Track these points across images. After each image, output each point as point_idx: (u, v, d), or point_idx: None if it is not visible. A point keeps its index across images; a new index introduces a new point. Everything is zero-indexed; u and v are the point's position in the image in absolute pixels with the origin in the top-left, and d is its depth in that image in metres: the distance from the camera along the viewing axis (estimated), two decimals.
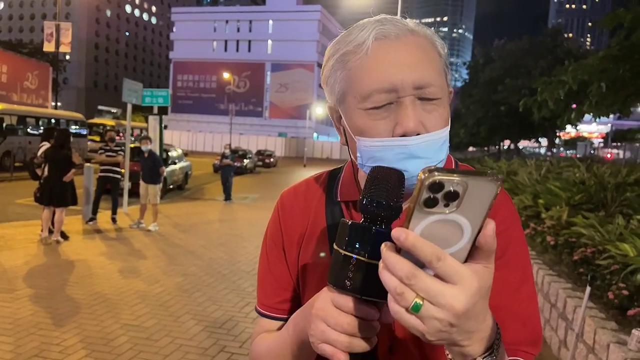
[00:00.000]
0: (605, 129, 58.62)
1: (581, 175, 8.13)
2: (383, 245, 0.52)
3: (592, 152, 33.27)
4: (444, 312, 0.49)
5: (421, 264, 0.50)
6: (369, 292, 0.57)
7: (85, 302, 4.88)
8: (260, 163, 31.84)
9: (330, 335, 0.60)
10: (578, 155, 23.19)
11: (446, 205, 0.48)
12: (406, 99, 0.72)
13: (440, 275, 0.49)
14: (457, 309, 0.48)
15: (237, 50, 70.36)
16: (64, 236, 7.41)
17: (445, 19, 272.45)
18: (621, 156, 24.15)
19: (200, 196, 15.27)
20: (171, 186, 15.08)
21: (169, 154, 15.52)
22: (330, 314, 0.60)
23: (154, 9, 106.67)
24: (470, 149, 50.35)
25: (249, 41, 70.15)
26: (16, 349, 3.78)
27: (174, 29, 75.01)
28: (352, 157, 0.83)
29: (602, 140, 54.54)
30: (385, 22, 0.74)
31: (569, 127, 21.75)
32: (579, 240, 4.98)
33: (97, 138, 25.49)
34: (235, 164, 16.47)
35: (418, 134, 0.72)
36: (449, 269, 0.49)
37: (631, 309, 3.34)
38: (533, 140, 35.53)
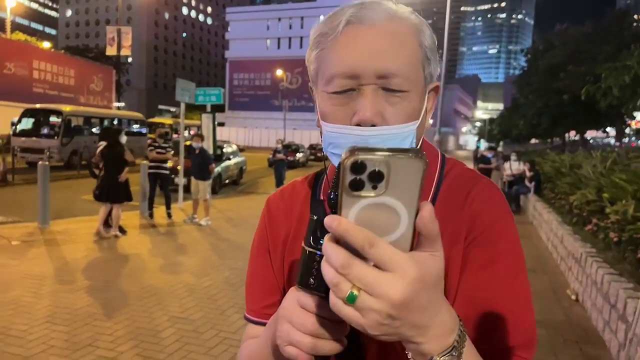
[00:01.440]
0: None
1: None
2: (325, 236, 0.49)
3: None
4: (381, 302, 0.45)
5: (361, 256, 0.46)
6: None
7: (137, 295, 5.07)
8: (312, 157, 32.22)
9: (295, 336, 0.57)
10: None
11: (374, 188, 0.45)
12: (367, 87, 0.69)
13: (375, 262, 0.46)
14: (394, 298, 0.45)
15: (290, 47, 71.12)
16: (122, 231, 7.75)
17: (503, 4, 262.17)
18: None
19: (254, 190, 15.56)
20: (226, 181, 15.46)
21: (224, 150, 15.89)
22: (296, 314, 0.57)
23: (209, 9, 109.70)
24: (533, 141, 48.21)
25: (301, 37, 70.67)
26: (71, 337, 3.98)
27: (229, 29, 76.81)
28: (322, 141, 0.79)
29: None
30: (364, 7, 0.71)
31: (638, 115, 20.31)
32: None
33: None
34: (288, 158, 16.69)
35: (374, 125, 0.69)
36: (383, 254, 0.45)
37: None
38: (601, 130, 33.48)
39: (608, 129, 31.69)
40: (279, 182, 14.15)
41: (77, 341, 3.92)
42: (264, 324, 0.84)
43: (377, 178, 0.45)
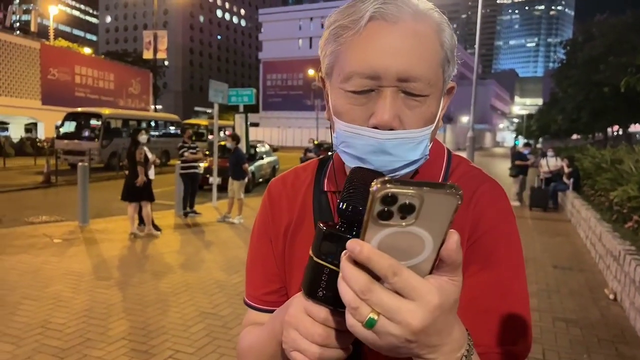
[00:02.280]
0: None
1: None
2: (342, 254, 0.49)
3: None
4: (400, 329, 0.46)
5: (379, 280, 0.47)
6: (342, 303, 0.54)
7: (169, 291, 5.21)
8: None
9: (301, 344, 0.58)
10: None
11: (402, 218, 0.45)
12: (387, 89, 0.67)
13: (397, 290, 0.46)
14: (414, 325, 0.46)
15: None
16: (157, 228, 7.96)
17: None
18: None
19: None
20: (260, 180, 15.67)
21: (257, 149, 16.12)
22: (302, 323, 0.58)
23: (242, 11, 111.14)
24: (574, 137, 46.60)
25: None
26: (107, 331, 4.13)
27: (262, 30, 77.60)
28: (331, 134, 0.79)
29: None
30: (388, 1, 0.68)
31: None
32: None
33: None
34: (320, 156, 16.82)
35: (392, 129, 0.67)
36: (407, 284, 0.46)
37: None
38: None
39: None
40: None
41: (112, 334, 4.07)
42: (265, 311, 0.86)
43: (407, 210, 0.45)
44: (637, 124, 32.07)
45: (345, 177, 0.80)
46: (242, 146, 11.77)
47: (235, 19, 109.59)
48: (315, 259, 0.57)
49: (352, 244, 0.46)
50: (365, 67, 0.67)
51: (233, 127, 31.14)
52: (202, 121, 35.59)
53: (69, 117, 20.91)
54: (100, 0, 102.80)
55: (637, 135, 35.39)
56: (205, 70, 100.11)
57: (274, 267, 0.87)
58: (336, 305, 0.55)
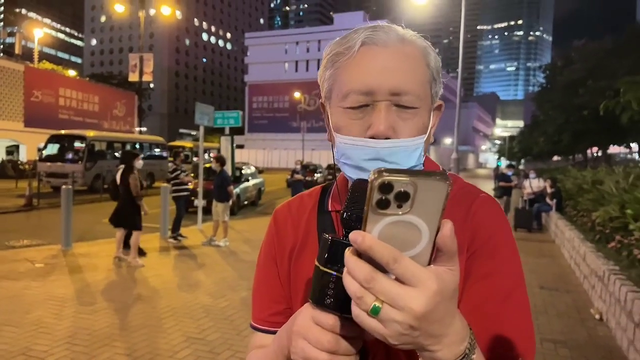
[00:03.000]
0: None
1: None
2: (346, 250, 0.52)
3: None
4: (403, 315, 0.48)
5: (382, 269, 0.49)
6: (350, 309, 0.55)
7: (155, 315, 5.11)
8: (330, 177, 32.14)
9: (311, 352, 0.59)
10: None
11: (399, 207, 0.48)
12: (381, 103, 0.74)
13: (398, 277, 0.49)
14: (416, 310, 0.48)
15: (307, 70, 72.02)
16: (142, 252, 7.83)
17: (520, 22, 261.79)
18: None
19: (272, 211, 15.49)
20: (245, 202, 15.57)
21: (242, 171, 16.06)
22: (311, 331, 0.59)
23: (228, 35, 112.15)
24: (555, 158, 47.47)
25: (318, 60, 70.53)
26: (91, 358, 4.03)
27: (248, 54, 78.26)
28: (333, 153, 0.85)
29: None
30: (377, 29, 0.77)
31: None
32: None
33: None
34: (306, 178, 16.79)
35: (387, 138, 0.74)
36: (407, 270, 0.48)
37: None
38: (624, 145, 32.80)
39: (632, 144, 31.02)
40: None
41: None
42: (270, 332, 0.87)
43: (403, 198, 0.48)
44: (615, 146, 32.85)
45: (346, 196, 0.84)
46: (228, 168, 11.73)
47: (221, 42, 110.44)
48: (322, 267, 0.58)
49: (355, 234, 0.49)
50: (360, 84, 0.75)
51: (218, 149, 31.11)
52: (187, 143, 35.47)
53: (53, 139, 20.67)
54: (85, 23, 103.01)
55: (616, 157, 36.16)
56: (190, 93, 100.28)
57: (279, 288, 0.89)
58: (343, 312, 0.56)
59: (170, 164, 9.89)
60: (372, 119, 0.75)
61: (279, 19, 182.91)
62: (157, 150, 25.83)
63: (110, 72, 72.95)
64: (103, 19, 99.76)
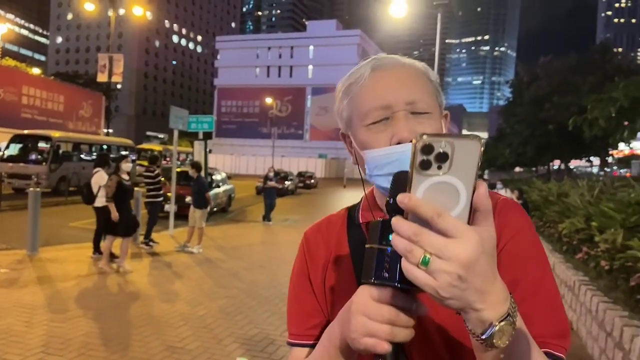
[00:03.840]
0: None
1: (637, 196, 7.72)
2: (393, 217, 0.56)
3: None
4: (450, 264, 0.52)
5: (428, 228, 0.54)
6: (406, 279, 0.59)
7: (132, 323, 5.00)
8: (301, 184, 32.08)
9: (372, 326, 0.61)
10: (632, 174, 22.08)
11: (439, 168, 0.53)
12: (399, 113, 0.82)
13: (442, 231, 0.52)
14: (462, 259, 0.51)
15: (279, 75, 71.94)
16: (114, 256, 7.60)
17: (486, 37, 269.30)
18: None
19: (242, 218, 15.49)
20: (215, 209, 15.38)
21: (213, 177, 15.87)
22: (370, 306, 0.62)
23: (199, 38, 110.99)
24: (517, 169, 48.90)
25: (291, 67, 71.63)
26: None
27: (219, 57, 77.58)
28: (361, 173, 0.92)
29: None
30: (381, 59, 0.89)
31: (622, 145, 20.79)
32: (636, 264, 4.69)
33: (145, 163, 26.45)
34: (278, 185, 16.70)
35: (412, 141, 0.78)
36: (449, 224, 0.52)
37: None
38: (585, 159, 34.13)
39: (592, 158, 32.30)
40: (269, 209, 14.11)
41: None
42: (308, 345, 0.89)
43: (442, 158, 0.53)
44: (577, 159, 34.12)
45: (379, 209, 0.92)
46: (202, 174, 11.58)
47: (191, 45, 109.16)
48: (376, 246, 0.62)
49: (402, 196, 0.54)
50: (378, 100, 0.84)
51: (187, 154, 30.60)
52: (156, 146, 34.83)
53: (15, 139, 19.90)
54: (51, 20, 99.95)
55: (575, 170, 37.52)
56: (159, 95, 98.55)
57: (314, 303, 0.92)
58: (400, 283, 0.59)
59: (153, 167, 9.49)
60: (394, 129, 0.82)
61: (250, 23, 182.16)
62: (124, 152, 25.25)
63: (76, 71, 70.99)
64: (70, 16, 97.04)
